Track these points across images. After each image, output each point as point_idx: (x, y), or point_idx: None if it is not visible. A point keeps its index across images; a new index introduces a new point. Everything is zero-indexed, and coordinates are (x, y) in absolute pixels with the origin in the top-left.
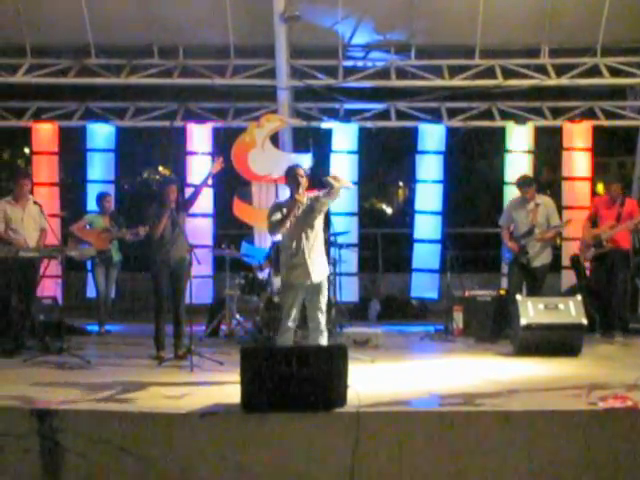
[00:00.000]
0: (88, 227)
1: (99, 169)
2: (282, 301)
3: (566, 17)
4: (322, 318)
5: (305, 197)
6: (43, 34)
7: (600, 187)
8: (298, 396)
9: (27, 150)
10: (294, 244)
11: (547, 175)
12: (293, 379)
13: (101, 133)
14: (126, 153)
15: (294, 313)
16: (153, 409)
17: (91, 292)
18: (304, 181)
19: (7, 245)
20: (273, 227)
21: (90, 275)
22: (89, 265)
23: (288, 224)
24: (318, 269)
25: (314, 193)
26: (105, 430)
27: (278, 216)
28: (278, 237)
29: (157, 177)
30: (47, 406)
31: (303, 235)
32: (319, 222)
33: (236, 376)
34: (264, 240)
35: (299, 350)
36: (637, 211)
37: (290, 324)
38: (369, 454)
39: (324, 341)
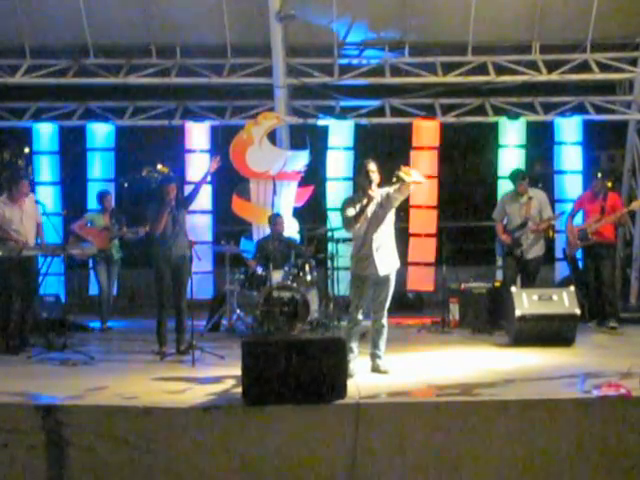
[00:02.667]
0: (89, 225)
1: (99, 168)
2: (350, 293)
3: (556, 14)
4: (384, 312)
5: (377, 192)
6: (42, 35)
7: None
8: (299, 388)
9: (27, 150)
10: (363, 238)
11: (539, 169)
12: (294, 372)
13: (101, 132)
14: (125, 152)
15: (362, 305)
16: (156, 404)
17: (93, 290)
18: (375, 177)
19: (9, 244)
20: (348, 222)
21: (92, 273)
22: (91, 263)
23: (362, 219)
24: (386, 262)
25: (385, 189)
26: (109, 425)
27: (352, 211)
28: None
29: (156, 175)
30: (52, 402)
31: (373, 229)
32: (389, 217)
33: (238, 370)
34: (262, 236)
35: (299, 343)
36: (620, 204)
37: (359, 316)
38: (369, 445)
39: (384, 336)
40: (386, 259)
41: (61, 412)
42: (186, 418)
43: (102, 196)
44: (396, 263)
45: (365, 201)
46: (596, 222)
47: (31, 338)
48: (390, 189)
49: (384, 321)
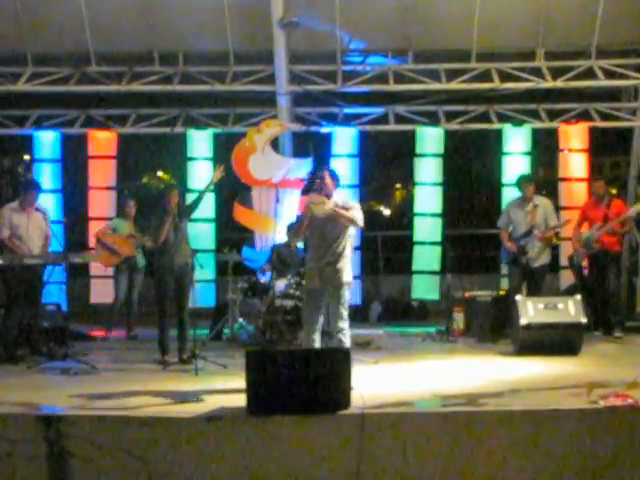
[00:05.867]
0: (112, 232)
1: (101, 176)
2: (303, 305)
3: (561, 20)
4: (340, 323)
5: (327, 204)
6: (44, 43)
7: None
8: (303, 398)
9: (27, 157)
10: (311, 250)
11: (544, 176)
12: (298, 382)
13: (102, 140)
14: (127, 159)
15: (315, 319)
16: (159, 413)
17: (95, 298)
18: (325, 185)
19: (12, 253)
20: (289, 234)
21: (93, 281)
22: (112, 271)
23: (304, 231)
24: (327, 277)
25: (343, 201)
26: (111, 435)
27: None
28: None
29: (158, 183)
30: (53, 412)
31: (318, 242)
32: (340, 230)
33: (241, 379)
34: (265, 244)
35: (303, 353)
36: (624, 212)
37: (309, 329)
38: (374, 455)
39: (347, 340)
40: (330, 273)
41: (63, 422)
42: (189, 428)
43: (124, 203)
44: (342, 278)
45: (304, 214)
46: (598, 229)
47: (33, 347)
48: (350, 207)
49: (341, 337)
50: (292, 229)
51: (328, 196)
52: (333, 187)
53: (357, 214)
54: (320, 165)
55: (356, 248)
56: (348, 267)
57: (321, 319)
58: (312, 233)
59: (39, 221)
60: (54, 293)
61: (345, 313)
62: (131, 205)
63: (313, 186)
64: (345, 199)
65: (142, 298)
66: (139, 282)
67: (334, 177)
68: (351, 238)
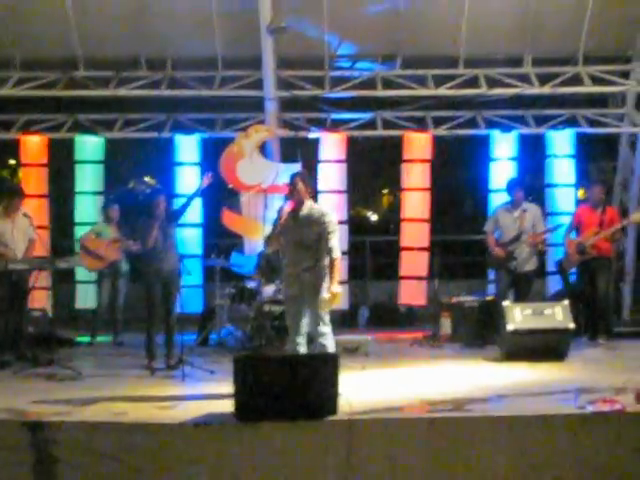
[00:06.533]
0: (95, 237)
1: (88, 181)
2: (285, 312)
3: (548, 27)
4: (322, 330)
5: (305, 209)
6: (31, 47)
7: (580, 193)
8: (291, 404)
9: (13, 162)
10: (286, 256)
11: (531, 182)
12: (286, 388)
13: (90, 145)
14: (115, 164)
15: (297, 324)
16: (146, 419)
17: (80, 303)
18: (297, 192)
19: None
20: (264, 242)
21: (79, 286)
22: (95, 276)
23: (278, 238)
24: (303, 282)
25: (317, 208)
26: (98, 441)
27: (270, 230)
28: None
29: (144, 188)
30: (39, 418)
31: (294, 247)
32: (314, 235)
33: (228, 385)
34: (254, 250)
35: (291, 359)
36: (618, 219)
37: (293, 335)
38: (362, 461)
39: (330, 344)
40: (308, 279)
41: (49, 429)
42: (177, 434)
43: (107, 207)
44: (321, 283)
45: (278, 221)
46: (594, 235)
47: (18, 353)
48: (327, 220)
49: (323, 341)
50: (265, 239)
51: (301, 202)
52: (306, 192)
53: (334, 242)
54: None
55: (344, 253)
56: (326, 272)
57: (306, 324)
58: (288, 239)
59: (24, 226)
60: (40, 298)
61: (327, 317)
62: (114, 209)
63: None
64: (322, 209)
65: (126, 303)
66: (123, 287)
67: (306, 182)
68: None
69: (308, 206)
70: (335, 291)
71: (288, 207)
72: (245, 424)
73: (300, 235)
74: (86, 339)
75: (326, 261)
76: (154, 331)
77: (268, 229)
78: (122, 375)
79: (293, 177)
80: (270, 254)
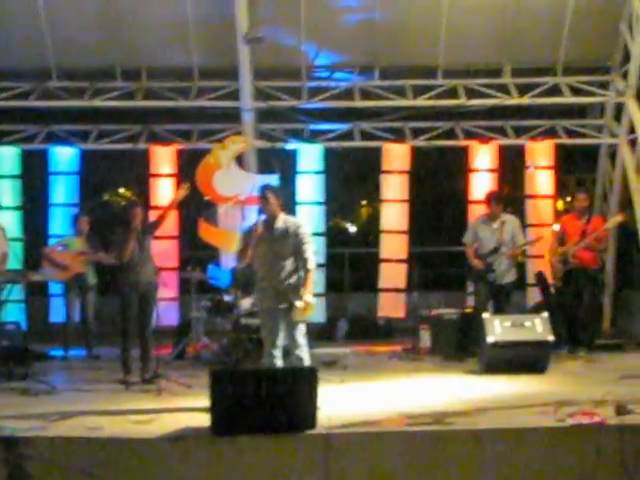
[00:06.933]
0: (62, 249)
1: (62, 192)
2: (261, 326)
3: (527, 37)
4: (299, 341)
5: (278, 221)
6: (4, 57)
7: (559, 204)
8: (268, 418)
9: None
10: (261, 269)
11: (510, 193)
12: (263, 401)
13: (64, 156)
14: (90, 176)
15: (273, 338)
16: (121, 434)
17: (55, 317)
18: (268, 204)
19: None
20: (238, 256)
21: (53, 299)
22: (62, 289)
23: (252, 253)
24: (284, 294)
25: (291, 220)
26: (73, 457)
27: (242, 245)
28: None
29: (119, 200)
30: (13, 434)
31: (270, 260)
32: (290, 248)
33: (205, 399)
34: (231, 262)
35: (268, 372)
36: (604, 231)
37: (269, 348)
38: (340, 475)
39: (306, 357)
40: (285, 291)
41: (23, 445)
42: (153, 449)
43: (76, 219)
44: (298, 295)
45: (251, 236)
46: (575, 244)
47: None
48: (302, 232)
49: (299, 353)
50: (238, 254)
51: (274, 215)
52: (277, 206)
53: (309, 253)
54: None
55: (322, 265)
56: (301, 283)
57: (282, 337)
58: (263, 253)
59: None
60: (13, 312)
61: (303, 329)
62: (84, 221)
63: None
64: (296, 221)
65: (99, 316)
66: (92, 300)
67: (277, 195)
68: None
69: (282, 219)
70: (308, 301)
71: (260, 222)
72: (222, 438)
73: (276, 248)
74: (60, 353)
75: (301, 273)
76: (129, 344)
77: (240, 246)
78: (97, 389)
79: (263, 190)
80: (242, 269)
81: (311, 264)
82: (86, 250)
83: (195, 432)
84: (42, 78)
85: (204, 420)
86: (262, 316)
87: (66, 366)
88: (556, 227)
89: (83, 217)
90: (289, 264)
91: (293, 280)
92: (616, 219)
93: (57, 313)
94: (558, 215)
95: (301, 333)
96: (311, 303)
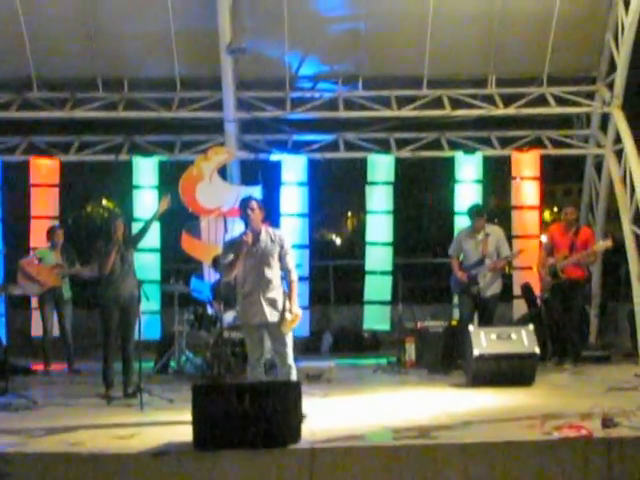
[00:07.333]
0: (37, 262)
1: (44, 204)
2: (245, 339)
3: (512, 47)
4: (288, 353)
5: (262, 233)
6: None
7: (546, 215)
8: (251, 433)
9: None
10: (248, 282)
11: (496, 204)
12: (246, 416)
13: (45, 168)
14: (71, 188)
15: (258, 351)
16: (103, 450)
17: (36, 330)
18: (255, 215)
19: None
20: (223, 269)
21: (35, 313)
22: (36, 302)
23: (240, 266)
24: (273, 308)
25: (280, 237)
26: (54, 473)
27: (230, 257)
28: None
29: (102, 211)
30: None
31: (258, 273)
32: (275, 259)
33: (187, 414)
34: (214, 275)
35: (251, 386)
36: (592, 242)
37: (255, 362)
38: None
39: (294, 376)
40: (276, 304)
41: (3, 461)
42: (134, 465)
43: (51, 231)
44: (286, 307)
45: (239, 247)
46: (564, 259)
47: None
48: (285, 242)
49: (290, 362)
50: (223, 265)
51: (259, 228)
52: (261, 218)
53: (292, 264)
54: (246, 197)
55: (305, 278)
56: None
57: (266, 350)
58: (250, 266)
59: None
60: None
61: (291, 342)
62: (59, 233)
63: (241, 217)
64: (278, 232)
65: (77, 330)
66: (69, 314)
67: (261, 208)
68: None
69: (265, 231)
70: (297, 312)
71: (249, 233)
72: (204, 453)
73: (264, 260)
74: (41, 367)
75: (285, 284)
76: (111, 358)
77: (227, 256)
78: (78, 404)
79: (248, 202)
80: (223, 285)
81: (295, 275)
82: (61, 263)
83: (177, 447)
84: (22, 89)
85: (187, 435)
86: (249, 329)
87: (47, 381)
88: (544, 238)
89: (58, 230)
90: (277, 276)
91: (280, 291)
92: (606, 244)
93: (38, 327)
94: (545, 226)
95: (290, 346)
96: (299, 314)
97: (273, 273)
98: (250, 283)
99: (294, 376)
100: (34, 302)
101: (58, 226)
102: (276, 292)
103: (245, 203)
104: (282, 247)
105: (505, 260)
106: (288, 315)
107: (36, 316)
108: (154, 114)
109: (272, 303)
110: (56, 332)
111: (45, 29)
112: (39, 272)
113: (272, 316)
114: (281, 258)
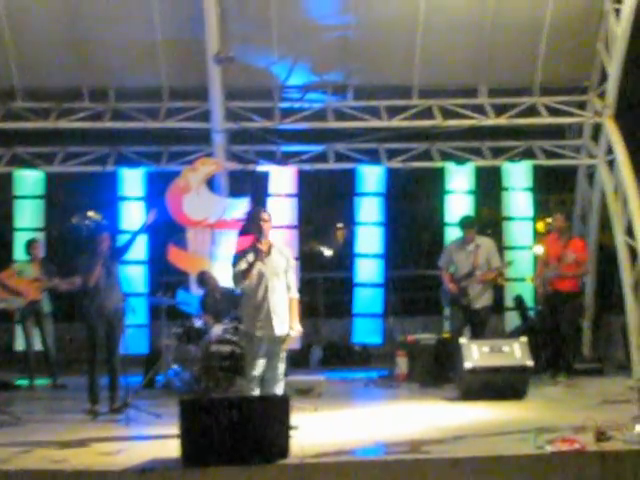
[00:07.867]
0: (17, 276)
1: (28, 216)
2: (246, 352)
3: (503, 57)
4: (282, 368)
5: (269, 244)
6: None
7: (540, 226)
8: (240, 448)
9: None
10: (258, 294)
11: (487, 215)
12: (234, 431)
13: (29, 179)
14: (56, 200)
15: (259, 364)
16: (88, 467)
17: (20, 345)
18: (267, 226)
19: None
20: (235, 278)
21: (17, 327)
22: (17, 316)
23: (252, 275)
24: (282, 320)
25: (287, 253)
26: None
27: (243, 265)
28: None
29: (87, 223)
30: None
31: (267, 284)
32: (284, 273)
33: (175, 429)
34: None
35: (240, 401)
36: (583, 253)
37: (255, 374)
38: None
39: (280, 390)
40: (282, 317)
41: None
42: None
43: (30, 244)
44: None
45: (253, 256)
46: (553, 270)
47: None
48: (282, 247)
49: (281, 376)
50: (235, 272)
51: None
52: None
53: (293, 281)
54: (258, 206)
55: None
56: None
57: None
58: (262, 277)
59: None
60: None
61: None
62: (37, 246)
63: (251, 228)
64: (284, 247)
65: (60, 344)
66: (50, 328)
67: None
68: None
69: (272, 243)
70: (300, 329)
71: (264, 242)
72: (192, 470)
73: (273, 272)
74: (26, 382)
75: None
76: (97, 373)
77: (239, 266)
78: (63, 420)
79: (259, 213)
80: (211, 296)
81: (296, 292)
82: (40, 276)
83: (164, 463)
84: (6, 99)
85: (174, 451)
86: (256, 343)
87: (31, 396)
88: (540, 249)
89: (37, 242)
90: (284, 289)
91: (287, 306)
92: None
93: (21, 341)
94: (539, 237)
95: (283, 362)
96: (300, 332)
97: (281, 286)
98: (260, 294)
99: (280, 391)
100: (16, 316)
101: (35, 239)
102: (284, 306)
103: (256, 214)
104: (288, 260)
105: (495, 272)
106: (292, 332)
107: (18, 330)
108: (141, 124)
109: (280, 316)
110: (38, 346)
111: (30, 38)
112: (17, 285)
113: (279, 330)
114: (287, 272)
